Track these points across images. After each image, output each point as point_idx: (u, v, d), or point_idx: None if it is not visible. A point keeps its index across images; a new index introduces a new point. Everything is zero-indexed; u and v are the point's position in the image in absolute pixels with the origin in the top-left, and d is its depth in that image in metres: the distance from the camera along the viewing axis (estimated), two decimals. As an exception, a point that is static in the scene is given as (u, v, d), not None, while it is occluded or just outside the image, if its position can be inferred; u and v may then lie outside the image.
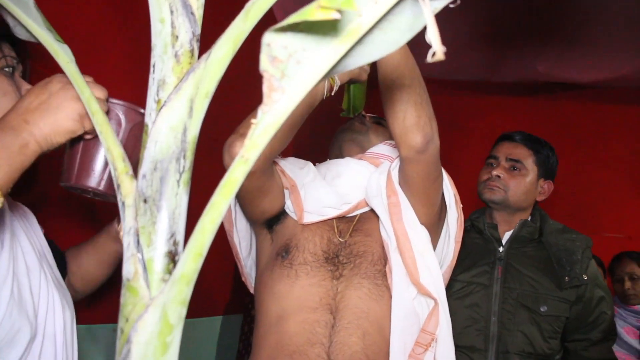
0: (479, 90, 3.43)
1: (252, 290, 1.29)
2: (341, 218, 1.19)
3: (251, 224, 1.25)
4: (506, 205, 1.62)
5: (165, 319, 0.47)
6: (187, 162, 0.51)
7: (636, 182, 3.67)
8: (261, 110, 0.41)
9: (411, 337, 1.03)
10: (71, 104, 0.75)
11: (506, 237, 1.62)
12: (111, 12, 1.47)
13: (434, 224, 1.16)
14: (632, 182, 3.67)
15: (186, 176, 0.51)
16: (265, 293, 1.12)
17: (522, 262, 1.56)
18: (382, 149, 1.27)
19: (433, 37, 0.33)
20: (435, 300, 1.04)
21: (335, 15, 0.31)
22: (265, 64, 0.37)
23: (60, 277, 1.00)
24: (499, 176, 1.61)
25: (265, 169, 1.09)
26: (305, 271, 1.08)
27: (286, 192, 1.16)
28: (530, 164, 1.63)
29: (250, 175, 1.05)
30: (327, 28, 0.35)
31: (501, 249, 1.60)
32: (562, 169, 3.70)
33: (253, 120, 0.43)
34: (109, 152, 0.56)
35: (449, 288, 1.58)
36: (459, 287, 1.58)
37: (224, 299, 2.43)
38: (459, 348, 1.52)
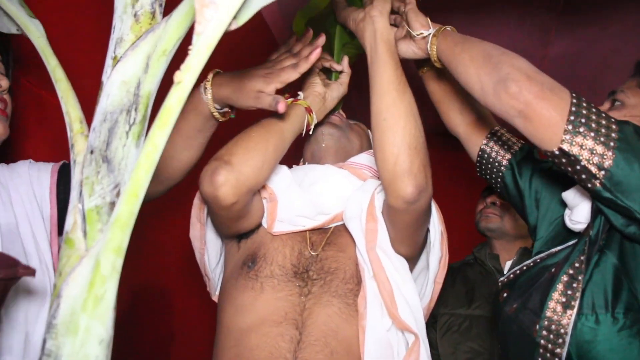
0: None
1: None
2: (314, 229, 1.10)
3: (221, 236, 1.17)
4: (503, 232, 1.60)
5: (98, 269, 0.44)
6: (139, 115, 0.50)
7: None
8: (195, 33, 0.40)
9: None
10: None
11: (508, 266, 1.58)
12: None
13: (414, 257, 1.08)
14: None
15: (137, 129, 0.50)
16: (227, 304, 1.04)
17: None
18: (365, 159, 1.17)
19: None
20: (415, 334, 0.95)
21: None
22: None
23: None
24: (494, 203, 1.63)
25: (248, 200, 1.01)
26: (272, 285, 1.00)
27: (264, 201, 1.09)
28: None
29: (231, 207, 0.97)
30: None
31: None
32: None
33: (190, 47, 0.42)
34: (68, 114, 0.56)
35: (450, 323, 1.50)
36: (461, 320, 1.52)
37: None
38: None
